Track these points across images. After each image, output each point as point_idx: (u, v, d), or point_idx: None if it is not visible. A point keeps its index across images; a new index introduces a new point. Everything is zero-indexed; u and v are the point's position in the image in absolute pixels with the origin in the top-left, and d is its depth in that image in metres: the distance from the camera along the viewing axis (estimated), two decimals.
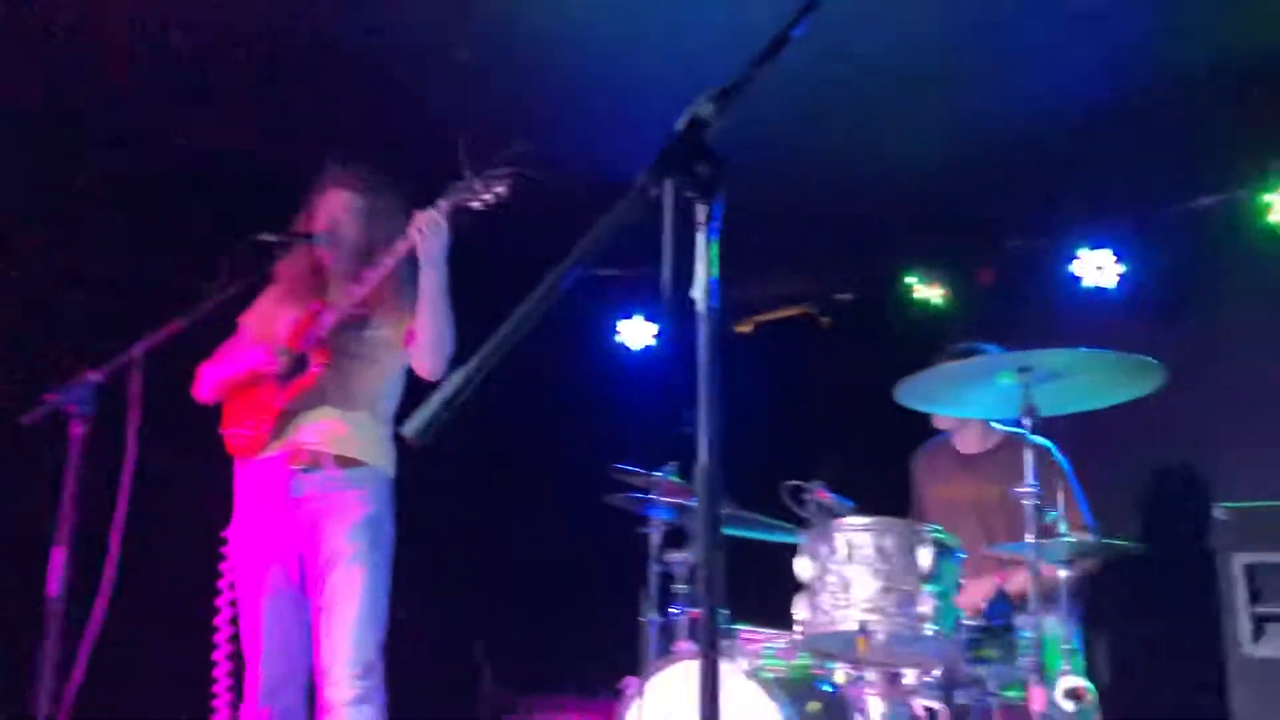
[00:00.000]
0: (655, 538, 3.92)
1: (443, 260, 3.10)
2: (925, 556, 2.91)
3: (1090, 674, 3.02)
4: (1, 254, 4.36)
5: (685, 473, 3.63)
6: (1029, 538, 2.94)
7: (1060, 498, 3.18)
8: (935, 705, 3.11)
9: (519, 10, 3.86)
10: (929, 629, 2.87)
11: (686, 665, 3.15)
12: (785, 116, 4.32)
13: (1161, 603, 4.42)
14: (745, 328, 6.39)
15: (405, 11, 3.87)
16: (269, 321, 3.36)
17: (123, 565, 2.84)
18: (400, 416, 3.28)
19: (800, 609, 3.02)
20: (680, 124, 1.44)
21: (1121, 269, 5.04)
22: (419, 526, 3.37)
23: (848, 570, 2.94)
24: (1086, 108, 4.28)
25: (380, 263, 3.15)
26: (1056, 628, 3.24)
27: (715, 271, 1.44)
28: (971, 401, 3.28)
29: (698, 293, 1.42)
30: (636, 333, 6.39)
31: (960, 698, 3.11)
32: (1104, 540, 3.15)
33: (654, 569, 3.90)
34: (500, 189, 3.02)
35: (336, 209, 3.31)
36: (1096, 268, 5.08)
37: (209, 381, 3.36)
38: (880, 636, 2.89)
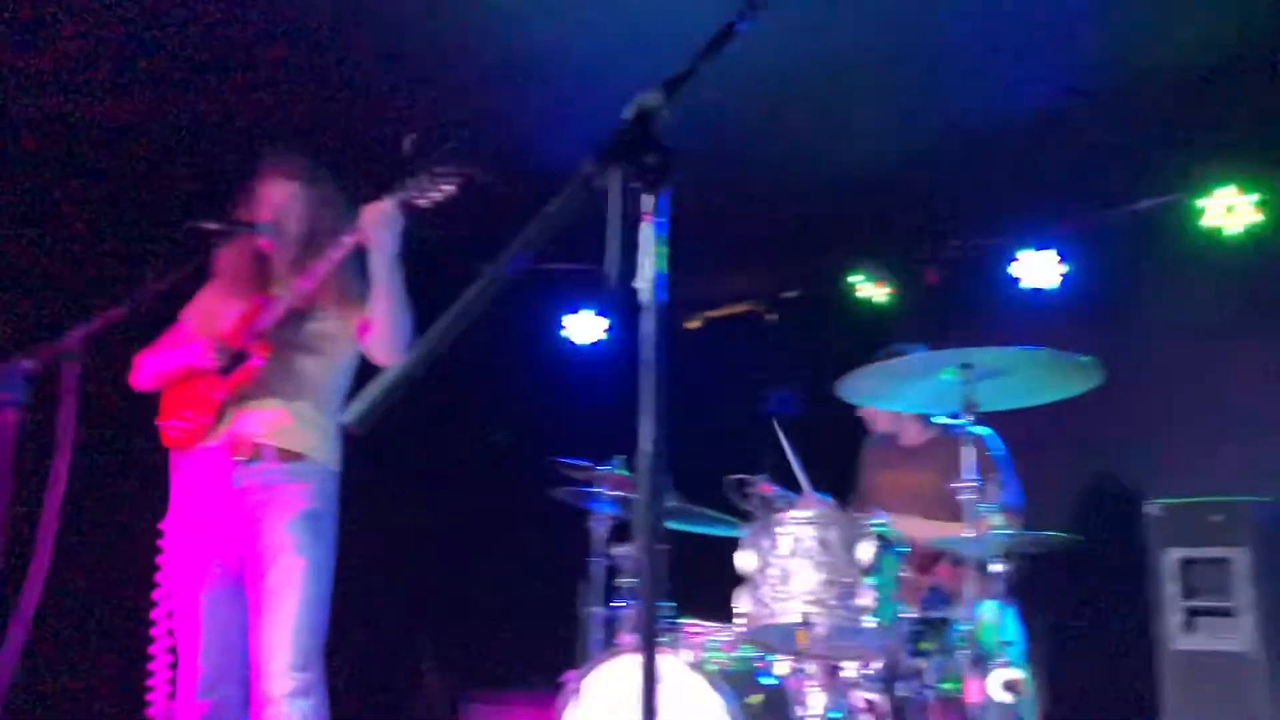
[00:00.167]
0: (601, 531, 3.93)
1: (393, 254, 3.08)
2: (866, 550, 2.94)
3: (1026, 666, 3.06)
4: None
5: (631, 466, 3.64)
6: (966, 529, 2.98)
7: (992, 483, 3.23)
8: (875, 697, 3.14)
9: None
10: (869, 621, 2.90)
11: (629, 658, 3.16)
12: (735, 115, 4.34)
13: (1097, 596, 4.51)
14: (694, 323, 6.42)
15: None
16: (211, 315, 3.31)
17: (57, 557, 2.78)
18: None
19: (742, 602, 3.04)
20: (628, 113, 1.44)
21: (1064, 269, 5.13)
22: (363, 522, 3.34)
23: (789, 563, 2.97)
24: (1031, 112, 4.34)
25: (326, 256, 3.12)
26: (993, 620, 3.29)
27: (662, 263, 1.44)
28: (913, 397, 3.32)
29: (642, 284, 1.42)
30: (584, 327, 6.38)
31: (900, 690, 3.14)
32: (1039, 532, 3.20)
33: (599, 563, 3.91)
34: (449, 188, 3.01)
35: (278, 198, 3.27)
36: (1038, 268, 5.16)
37: (147, 371, 3.31)
38: (821, 629, 2.91)
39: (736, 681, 3.05)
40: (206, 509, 3.14)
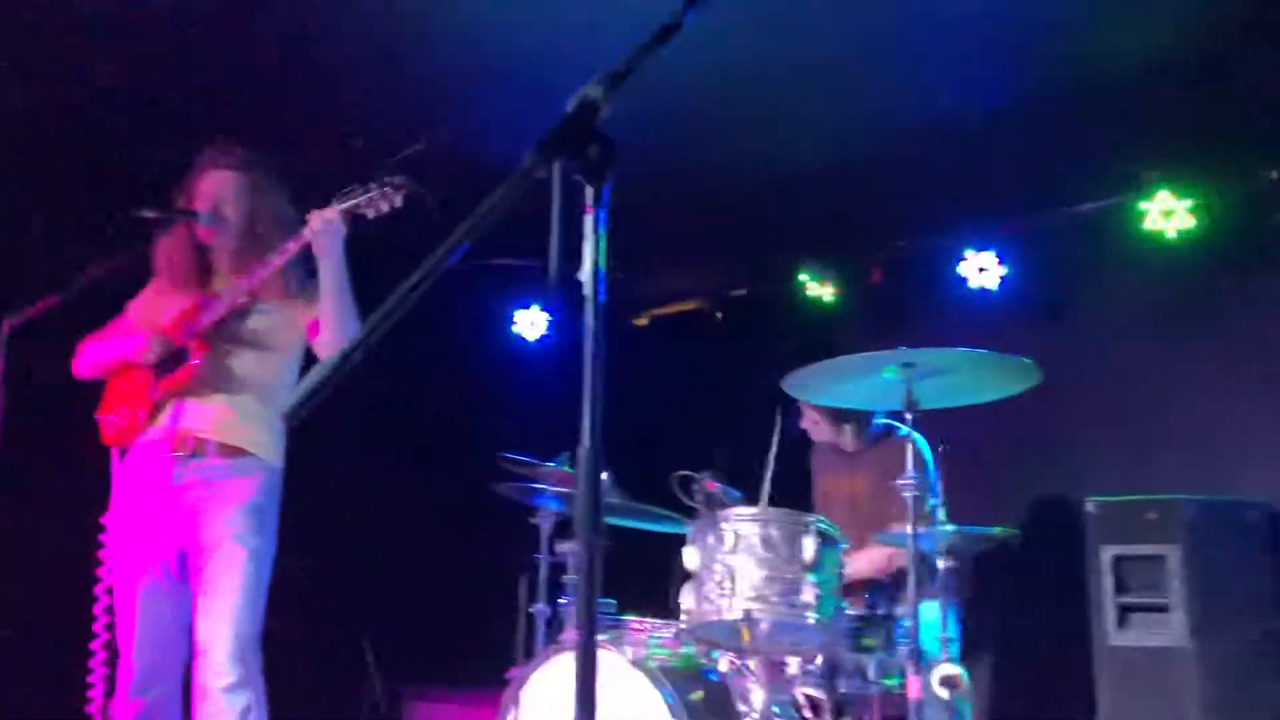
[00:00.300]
0: (546, 528, 3.93)
1: (340, 258, 3.06)
2: (809, 546, 2.96)
3: (965, 662, 3.10)
4: None
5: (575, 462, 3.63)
6: (907, 528, 3.02)
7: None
8: (817, 693, 3.17)
9: None
10: (811, 617, 2.92)
11: (571, 655, 3.15)
12: (683, 115, 4.35)
13: (1037, 593, 4.58)
14: (642, 321, 6.43)
15: None
16: (153, 307, 3.27)
17: None
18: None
19: (686, 598, 3.05)
20: (570, 105, 1.43)
21: (1004, 271, 5.20)
22: (306, 518, 3.30)
23: (733, 560, 2.98)
24: (977, 114, 4.39)
25: (268, 261, 3.09)
26: (933, 617, 3.33)
27: (604, 255, 1.44)
28: (857, 394, 3.36)
29: (585, 276, 1.42)
30: (534, 323, 6.36)
31: (842, 686, 3.17)
32: (980, 528, 3.25)
33: (544, 559, 3.90)
34: (395, 200, 3.00)
35: (218, 187, 3.24)
36: (980, 269, 5.23)
37: (87, 359, 3.27)
38: (764, 625, 2.93)
39: (678, 678, 3.06)
40: (146, 505, 3.10)
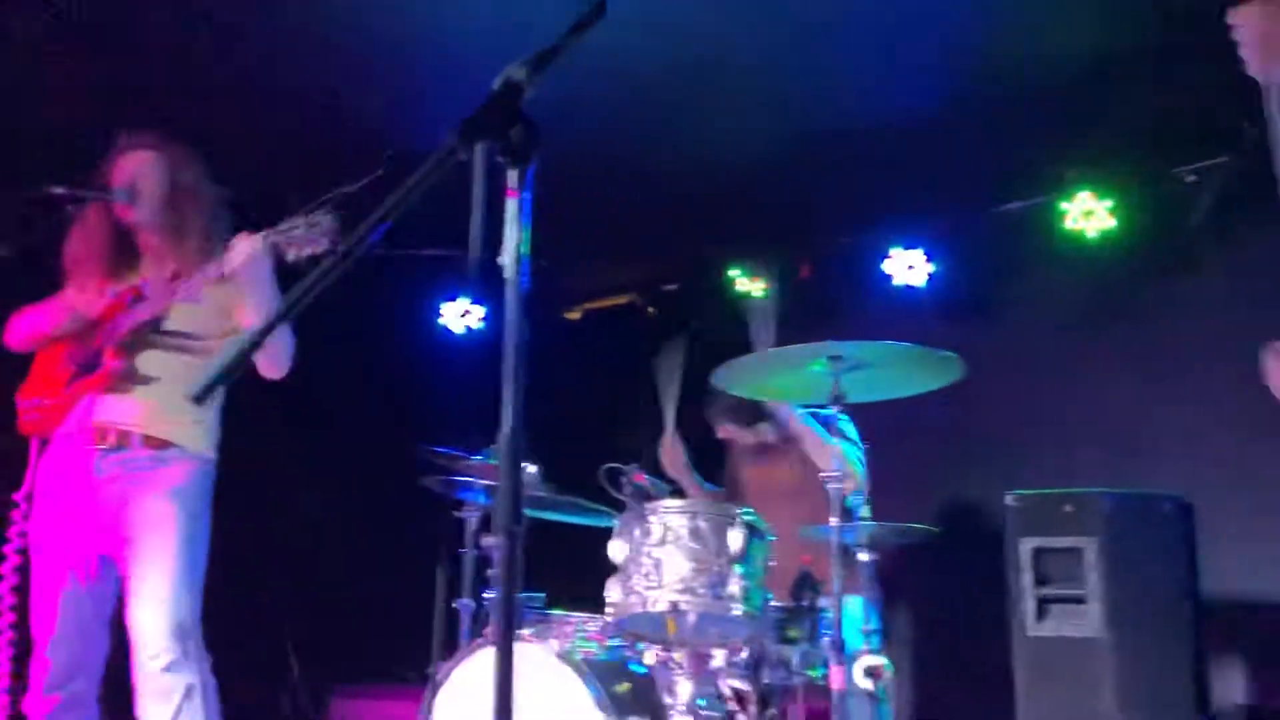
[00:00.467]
0: (471, 522, 3.89)
1: (265, 281, 3.01)
2: (736, 538, 2.96)
3: (887, 653, 3.14)
4: None
5: None
6: (832, 520, 3.04)
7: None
8: (742, 685, 3.18)
9: None
10: (738, 609, 2.93)
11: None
12: (614, 108, 4.34)
13: (959, 585, 4.65)
14: (574, 315, 6.40)
15: None
16: (83, 290, 3.21)
17: None
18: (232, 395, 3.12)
19: (613, 591, 3.03)
20: (495, 86, 1.42)
21: (931, 268, 5.27)
22: (228, 512, 3.24)
23: (660, 551, 2.97)
24: (905, 113, 4.44)
25: (185, 286, 3.03)
26: (856, 608, 3.36)
27: (527, 239, 1.43)
28: (784, 387, 3.38)
29: (506, 259, 1.40)
30: (461, 314, 6.30)
31: (767, 677, 3.18)
32: (902, 523, 3.29)
33: (469, 553, 3.87)
34: (319, 248, 2.89)
35: (134, 165, 3.18)
36: (908, 266, 5.30)
37: (19, 330, 3.22)
38: (691, 617, 2.93)
39: (604, 671, 3.05)
40: (67, 499, 3.03)
